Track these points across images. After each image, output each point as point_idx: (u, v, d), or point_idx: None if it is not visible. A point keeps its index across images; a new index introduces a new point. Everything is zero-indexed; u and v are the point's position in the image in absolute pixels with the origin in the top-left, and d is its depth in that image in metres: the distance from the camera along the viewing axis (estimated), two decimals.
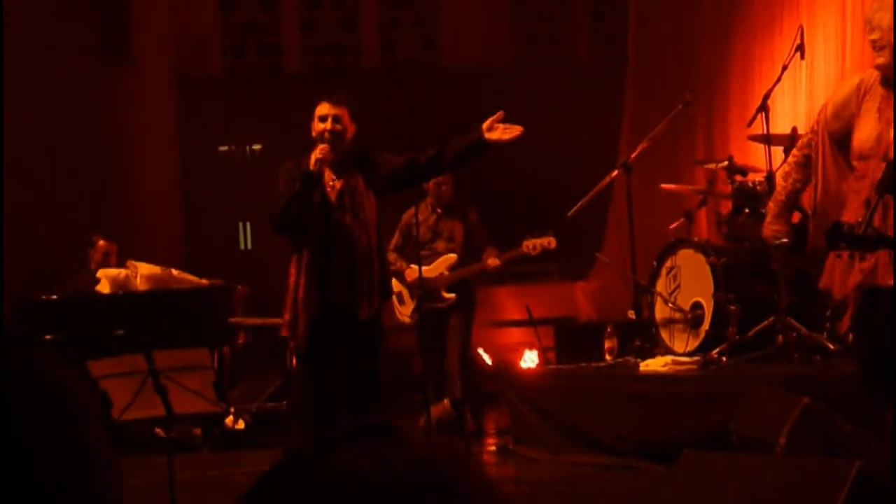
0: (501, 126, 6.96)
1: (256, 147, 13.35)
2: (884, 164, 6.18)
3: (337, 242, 7.09)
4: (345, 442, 1.38)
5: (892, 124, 6.16)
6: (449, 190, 10.46)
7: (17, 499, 1.38)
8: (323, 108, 7.23)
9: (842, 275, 6.11)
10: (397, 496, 1.30)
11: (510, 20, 14.94)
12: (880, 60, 6.45)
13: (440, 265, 10.35)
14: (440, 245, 10.46)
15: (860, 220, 5.05)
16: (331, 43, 14.68)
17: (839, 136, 6.72)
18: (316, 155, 7.04)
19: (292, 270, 7.15)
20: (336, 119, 7.18)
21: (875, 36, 6.43)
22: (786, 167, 7.19)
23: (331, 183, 7.19)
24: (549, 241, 10.05)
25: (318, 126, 7.19)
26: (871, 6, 6.60)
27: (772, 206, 7.53)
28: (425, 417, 9.32)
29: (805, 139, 7.14)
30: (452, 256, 10.33)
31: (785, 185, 7.25)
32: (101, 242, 11.60)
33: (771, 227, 7.62)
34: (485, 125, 6.95)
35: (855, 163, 6.61)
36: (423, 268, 9.76)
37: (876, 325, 5.45)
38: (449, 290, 10.32)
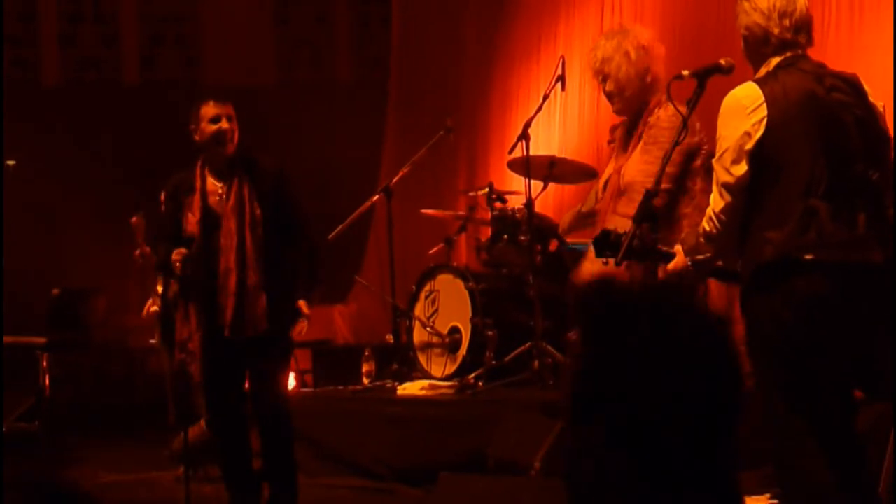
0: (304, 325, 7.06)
1: (10, 163, 13.03)
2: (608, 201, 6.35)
3: (219, 257, 6.77)
4: None
5: (625, 157, 6.30)
6: None
7: None
8: (210, 109, 6.85)
9: None
10: None
11: (273, 41, 14.88)
12: (620, 105, 6.56)
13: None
14: None
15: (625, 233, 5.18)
16: (90, 58, 14.40)
17: None
18: (177, 263, 6.71)
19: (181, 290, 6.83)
20: (229, 118, 6.84)
21: (611, 87, 6.48)
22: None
23: (219, 191, 6.87)
24: None
25: (209, 128, 6.82)
26: (594, 57, 6.60)
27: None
28: (182, 437, 9.18)
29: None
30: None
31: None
32: None
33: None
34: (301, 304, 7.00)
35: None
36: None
37: None
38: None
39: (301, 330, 7.13)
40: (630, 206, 5.95)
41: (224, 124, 6.83)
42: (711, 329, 2.09)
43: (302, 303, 7.07)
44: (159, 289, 9.83)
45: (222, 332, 6.76)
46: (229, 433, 7.03)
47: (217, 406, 7.08)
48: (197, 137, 6.90)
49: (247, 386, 7.10)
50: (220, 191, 6.87)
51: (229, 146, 6.81)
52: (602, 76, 6.49)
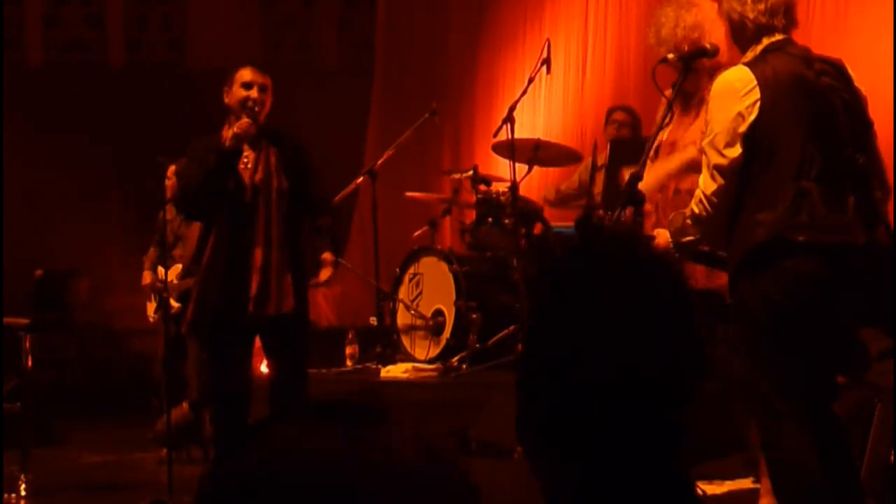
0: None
1: None
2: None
3: (246, 226, 6.62)
4: (309, 420, 1.30)
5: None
6: None
7: None
8: (246, 74, 6.76)
9: None
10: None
11: (259, 25, 14.83)
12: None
13: (174, 271, 10.10)
14: (178, 251, 10.22)
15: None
16: (75, 40, 14.34)
17: None
18: (234, 129, 6.54)
19: (206, 254, 6.67)
20: (263, 88, 6.75)
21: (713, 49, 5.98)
22: None
23: (244, 159, 6.69)
24: None
25: (240, 93, 6.71)
26: (689, 22, 6.01)
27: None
28: (165, 420, 9.17)
29: None
30: (179, 266, 10.01)
31: None
32: None
33: None
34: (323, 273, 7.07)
35: None
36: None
37: None
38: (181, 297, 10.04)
39: (326, 277, 7.15)
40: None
41: (254, 93, 6.75)
42: (674, 279, 1.90)
43: (327, 254, 7.09)
44: (161, 273, 9.82)
45: (245, 308, 6.66)
46: (227, 412, 6.97)
47: (218, 382, 7.03)
48: (227, 99, 6.81)
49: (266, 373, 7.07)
50: (245, 159, 6.74)
51: (254, 116, 6.71)
52: (690, 42, 5.93)
